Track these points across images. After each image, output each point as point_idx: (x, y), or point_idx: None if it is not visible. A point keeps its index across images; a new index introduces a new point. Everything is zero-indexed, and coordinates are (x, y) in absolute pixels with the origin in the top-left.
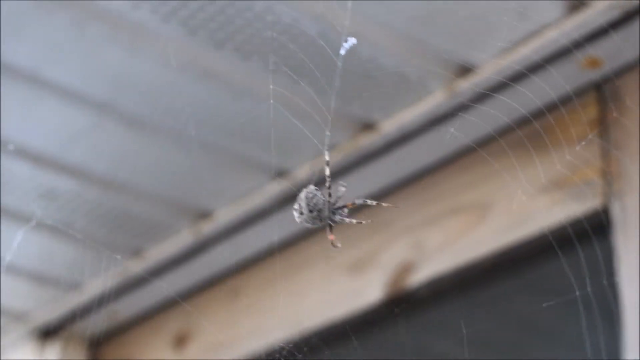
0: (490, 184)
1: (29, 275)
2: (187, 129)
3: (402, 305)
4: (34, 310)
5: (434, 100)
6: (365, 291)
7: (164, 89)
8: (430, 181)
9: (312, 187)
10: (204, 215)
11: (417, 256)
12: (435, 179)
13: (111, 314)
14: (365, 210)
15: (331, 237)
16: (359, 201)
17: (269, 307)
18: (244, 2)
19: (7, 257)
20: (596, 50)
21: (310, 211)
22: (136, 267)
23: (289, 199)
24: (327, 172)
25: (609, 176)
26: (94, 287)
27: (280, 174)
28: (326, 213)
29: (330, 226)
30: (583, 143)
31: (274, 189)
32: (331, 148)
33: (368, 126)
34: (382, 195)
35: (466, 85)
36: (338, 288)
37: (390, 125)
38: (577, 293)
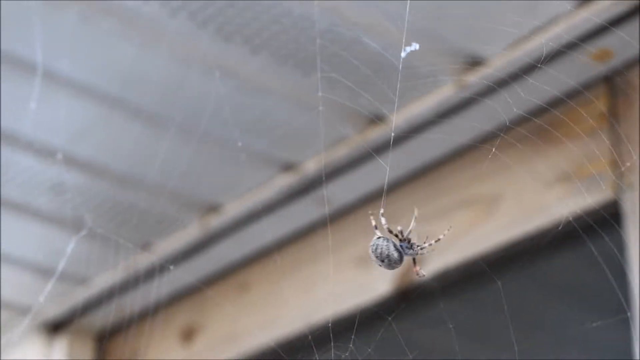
0: (500, 177)
1: (36, 269)
2: (197, 122)
3: (410, 299)
4: (42, 304)
5: (443, 93)
6: (373, 285)
7: (173, 83)
8: (439, 174)
9: (374, 238)
10: (212, 208)
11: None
12: (444, 172)
13: (119, 308)
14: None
15: (415, 269)
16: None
17: (277, 300)
18: None
19: (13, 250)
20: (607, 42)
21: (382, 261)
22: (144, 260)
23: (297, 192)
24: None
25: (619, 169)
26: (102, 280)
27: (289, 167)
28: (396, 256)
29: (414, 260)
30: (593, 136)
31: (283, 182)
32: (340, 141)
33: (376, 119)
34: (390, 188)
35: (476, 78)
36: (346, 281)
37: (399, 119)
38: (588, 288)
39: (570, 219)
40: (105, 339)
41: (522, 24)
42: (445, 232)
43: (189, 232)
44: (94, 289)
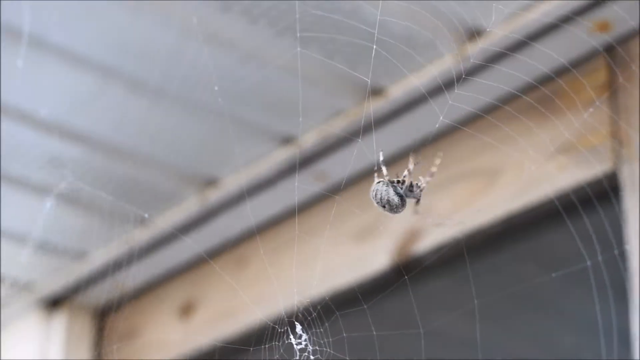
0: (499, 149)
1: (35, 244)
2: (194, 95)
3: (408, 273)
4: (40, 280)
5: (442, 65)
6: (373, 258)
7: (170, 54)
8: (439, 147)
9: (374, 183)
10: (210, 182)
11: (425, 222)
12: (443, 145)
13: (117, 284)
14: None
15: (416, 207)
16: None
17: (275, 275)
18: None
19: (15, 227)
20: (606, 13)
21: (384, 206)
22: (142, 235)
23: (295, 166)
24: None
25: (618, 141)
26: (100, 256)
27: (287, 140)
28: (396, 201)
29: (418, 200)
30: (592, 109)
31: (281, 156)
32: (340, 113)
33: (376, 91)
34: (389, 162)
35: (475, 50)
36: (345, 255)
37: (398, 90)
38: (588, 263)
39: (570, 190)
40: (103, 314)
41: None
42: (437, 162)
43: (187, 207)
44: (93, 264)
